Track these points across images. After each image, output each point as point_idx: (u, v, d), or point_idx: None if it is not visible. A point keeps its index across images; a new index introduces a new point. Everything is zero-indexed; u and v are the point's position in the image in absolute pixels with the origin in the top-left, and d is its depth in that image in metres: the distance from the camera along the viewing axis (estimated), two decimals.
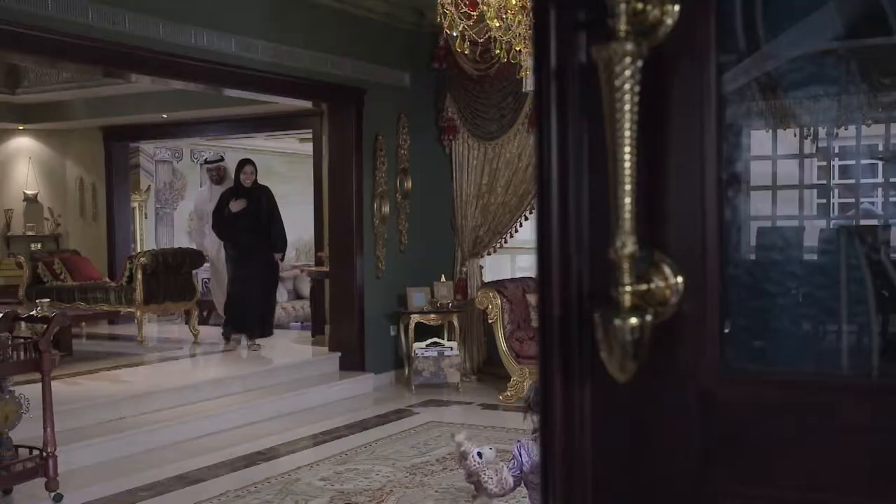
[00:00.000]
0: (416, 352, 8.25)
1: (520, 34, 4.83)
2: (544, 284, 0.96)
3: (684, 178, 0.93)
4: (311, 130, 11.62)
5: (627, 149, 0.88)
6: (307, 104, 9.31)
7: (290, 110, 10.61)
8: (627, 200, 0.88)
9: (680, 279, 0.93)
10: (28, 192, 12.32)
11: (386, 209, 8.81)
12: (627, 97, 0.88)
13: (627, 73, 0.87)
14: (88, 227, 12.19)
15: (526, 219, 8.87)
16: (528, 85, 5.20)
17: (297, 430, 6.85)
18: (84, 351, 9.22)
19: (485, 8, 4.67)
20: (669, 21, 0.91)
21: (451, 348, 8.29)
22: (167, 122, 11.63)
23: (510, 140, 8.77)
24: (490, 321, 7.83)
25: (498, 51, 5.02)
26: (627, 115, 0.88)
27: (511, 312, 7.85)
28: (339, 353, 8.59)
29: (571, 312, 0.96)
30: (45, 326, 5.18)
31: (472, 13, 4.83)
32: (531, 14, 0.98)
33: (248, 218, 8.79)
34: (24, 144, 12.35)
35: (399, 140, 9.08)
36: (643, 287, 0.91)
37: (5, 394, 5.09)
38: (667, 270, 0.93)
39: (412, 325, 8.51)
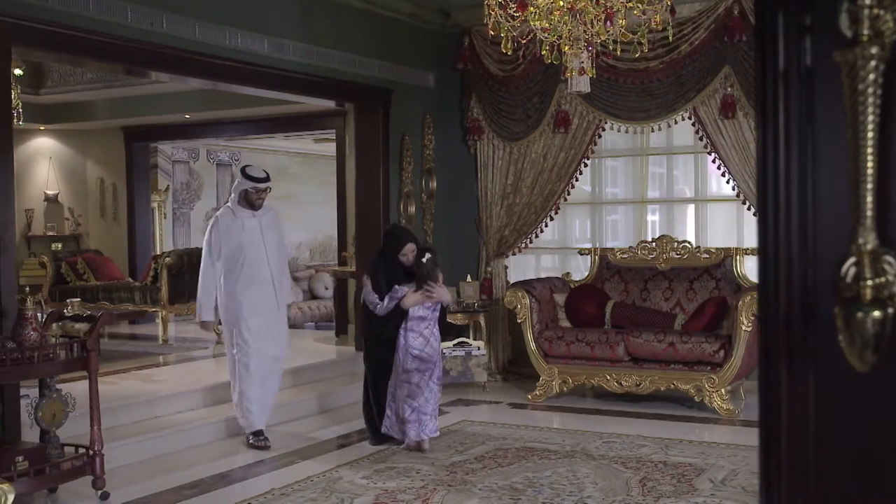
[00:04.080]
0: (444, 351, 8.27)
1: (565, 35, 4.87)
2: (767, 281, 1.00)
3: None
4: (326, 131, 11.69)
5: (870, 149, 0.91)
6: (327, 104, 9.36)
7: (310, 111, 10.65)
8: (869, 199, 0.91)
9: None
10: (49, 192, 12.37)
11: (412, 209, 8.85)
12: (871, 99, 0.91)
13: (871, 76, 0.91)
14: (109, 227, 12.24)
15: (551, 219, 8.90)
16: (574, 86, 5.23)
17: (330, 430, 6.87)
18: (109, 350, 9.23)
19: (532, 9, 4.70)
20: None
21: (479, 348, 8.32)
22: (187, 122, 11.67)
23: (535, 140, 8.80)
24: (519, 320, 7.85)
25: (543, 52, 5.06)
26: (871, 117, 0.91)
27: (539, 312, 7.87)
28: (364, 353, 8.60)
29: (794, 307, 0.99)
30: (91, 326, 5.22)
31: (517, 14, 4.86)
32: (755, 19, 1.01)
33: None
34: (44, 144, 12.39)
35: (424, 140, 9.13)
36: (879, 281, 0.94)
37: (52, 392, 5.13)
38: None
39: None
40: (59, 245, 11.98)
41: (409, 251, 6.38)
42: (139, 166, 12.18)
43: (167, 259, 9.51)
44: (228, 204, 6.57)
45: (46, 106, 11.32)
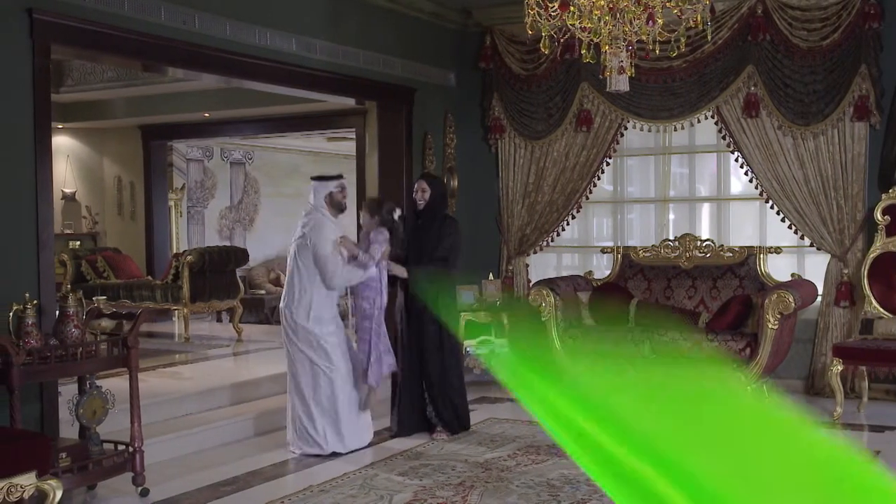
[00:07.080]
0: (468, 349, 8.30)
1: (605, 34, 4.89)
2: None
3: None
4: (343, 130, 11.70)
5: None
6: (347, 103, 9.35)
7: (327, 110, 10.66)
8: None
9: None
10: (66, 190, 12.38)
11: None
12: None
13: None
14: (126, 225, 12.27)
15: (573, 217, 8.93)
16: (613, 85, 5.25)
17: None
18: None
19: (573, 8, 4.72)
20: None
21: (502, 346, 8.34)
22: (204, 120, 11.69)
23: (557, 139, 8.82)
24: (543, 319, 7.86)
25: (583, 51, 5.08)
26: None
27: (564, 310, 7.88)
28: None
29: None
30: (132, 323, 5.24)
31: (555, 13, 4.88)
32: None
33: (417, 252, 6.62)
34: (62, 143, 12.39)
35: (446, 139, 9.15)
36: None
37: (93, 389, 5.16)
38: None
39: (462, 323, 8.54)
40: (77, 243, 11.99)
41: (417, 188, 6.78)
42: (156, 165, 12.21)
43: (189, 257, 9.54)
44: (319, 213, 6.33)
45: (65, 104, 11.33)
